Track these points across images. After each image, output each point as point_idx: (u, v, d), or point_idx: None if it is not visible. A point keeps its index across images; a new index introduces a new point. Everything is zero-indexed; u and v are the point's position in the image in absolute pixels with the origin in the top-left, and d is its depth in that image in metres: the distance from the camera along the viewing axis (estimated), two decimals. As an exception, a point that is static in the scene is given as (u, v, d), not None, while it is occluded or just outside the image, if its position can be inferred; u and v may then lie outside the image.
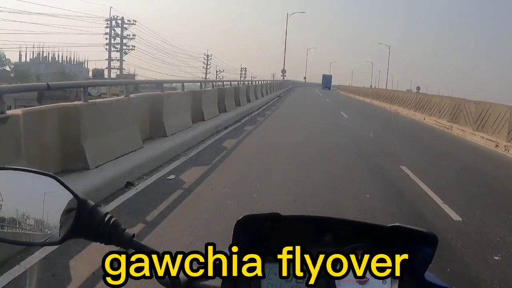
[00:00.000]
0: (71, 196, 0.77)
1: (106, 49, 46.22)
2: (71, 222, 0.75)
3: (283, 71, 51.13)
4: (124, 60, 47.08)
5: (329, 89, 78.01)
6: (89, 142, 5.18)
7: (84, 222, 0.75)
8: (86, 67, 71.27)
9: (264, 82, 29.48)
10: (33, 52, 71.46)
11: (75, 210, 0.76)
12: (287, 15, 48.55)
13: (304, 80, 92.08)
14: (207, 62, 74.77)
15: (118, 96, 12.22)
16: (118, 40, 46.33)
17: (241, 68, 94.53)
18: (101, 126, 5.54)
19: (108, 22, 46.09)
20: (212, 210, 4.59)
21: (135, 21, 46.48)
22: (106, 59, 46.41)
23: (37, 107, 5.11)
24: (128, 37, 46.66)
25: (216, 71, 78.48)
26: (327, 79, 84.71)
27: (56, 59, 73.06)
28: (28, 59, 70.61)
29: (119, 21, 46.37)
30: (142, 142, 6.67)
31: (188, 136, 8.44)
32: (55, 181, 0.78)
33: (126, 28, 46.40)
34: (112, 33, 46.24)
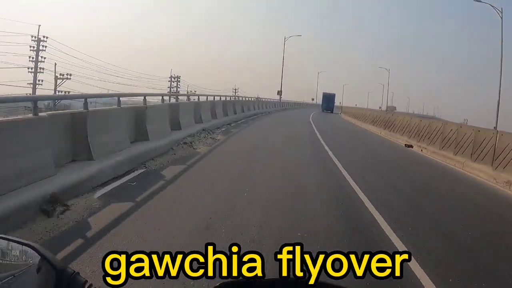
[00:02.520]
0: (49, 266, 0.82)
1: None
2: None
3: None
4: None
5: (332, 112, 60.11)
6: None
7: None
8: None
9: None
10: None
11: (54, 279, 0.79)
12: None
13: (278, 96, 56.62)
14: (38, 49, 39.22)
15: None
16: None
17: (171, 76, 58.79)
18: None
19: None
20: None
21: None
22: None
23: None
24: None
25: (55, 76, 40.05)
26: (328, 99, 63.44)
27: None
28: None
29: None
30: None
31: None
32: (34, 251, 0.83)
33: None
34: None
